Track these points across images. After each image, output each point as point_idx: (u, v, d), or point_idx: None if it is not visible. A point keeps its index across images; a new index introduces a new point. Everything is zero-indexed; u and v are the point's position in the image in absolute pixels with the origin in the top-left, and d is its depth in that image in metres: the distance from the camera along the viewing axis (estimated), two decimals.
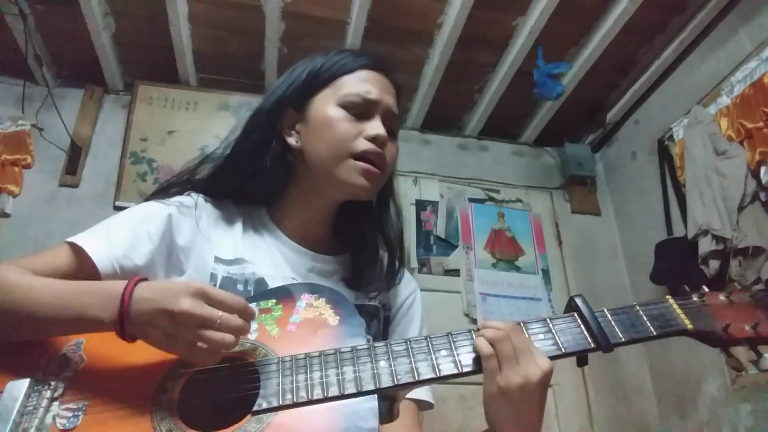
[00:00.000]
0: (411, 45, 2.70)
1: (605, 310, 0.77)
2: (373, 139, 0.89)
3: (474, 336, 0.74)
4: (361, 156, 0.88)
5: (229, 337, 0.67)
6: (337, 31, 2.58)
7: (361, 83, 0.93)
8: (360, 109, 0.91)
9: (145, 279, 0.71)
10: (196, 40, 2.70)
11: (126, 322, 0.67)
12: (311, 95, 0.94)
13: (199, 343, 0.66)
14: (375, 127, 0.90)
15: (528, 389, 0.69)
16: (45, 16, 2.56)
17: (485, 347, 0.71)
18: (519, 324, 0.75)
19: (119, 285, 0.69)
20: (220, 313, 0.67)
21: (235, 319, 0.68)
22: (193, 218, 0.91)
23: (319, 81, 0.94)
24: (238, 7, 2.50)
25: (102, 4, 2.50)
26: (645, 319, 0.76)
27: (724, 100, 2.37)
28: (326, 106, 0.92)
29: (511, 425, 0.72)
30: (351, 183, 0.89)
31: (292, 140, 0.94)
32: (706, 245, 2.23)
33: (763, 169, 2.14)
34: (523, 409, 0.70)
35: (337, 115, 0.90)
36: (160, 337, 0.67)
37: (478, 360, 0.72)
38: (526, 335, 0.74)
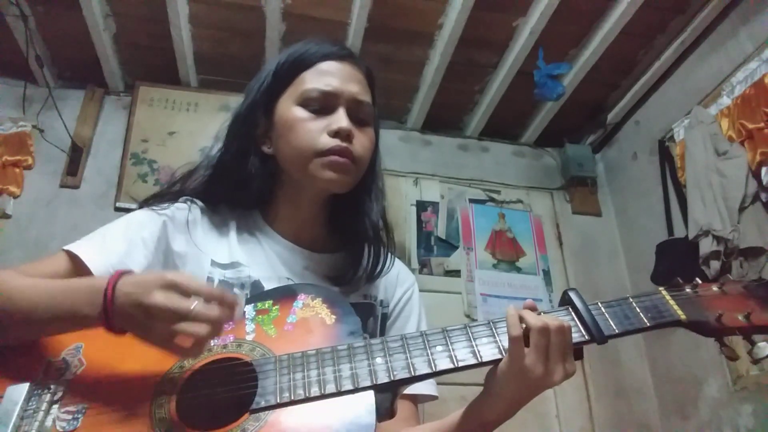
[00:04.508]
0: (411, 46, 2.70)
1: (599, 303, 0.77)
2: (335, 134, 0.87)
3: (470, 330, 0.74)
4: (326, 153, 0.87)
5: (203, 329, 0.64)
6: (337, 32, 2.58)
7: (319, 77, 0.91)
8: (321, 104, 0.89)
9: (129, 272, 0.70)
10: (196, 41, 2.71)
11: (111, 318, 0.67)
12: (276, 97, 0.93)
13: (177, 338, 0.65)
14: (337, 120, 0.88)
15: (544, 384, 0.70)
16: (46, 17, 2.57)
17: (515, 330, 0.70)
18: (567, 325, 0.72)
19: (103, 281, 0.69)
20: (194, 303, 0.64)
21: (211, 309, 0.65)
22: (186, 230, 0.92)
23: (281, 81, 0.93)
24: (238, 8, 2.51)
25: (102, 5, 2.51)
26: (638, 310, 0.76)
27: (725, 101, 2.37)
28: (288, 108, 0.91)
29: (506, 403, 0.74)
30: (321, 178, 0.88)
31: (265, 148, 0.94)
32: (707, 246, 2.23)
33: (763, 170, 2.14)
34: (526, 394, 0.72)
35: (298, 115, 0.89)
36: (140, 331, 0.67)
37: (473, 355, 0.72)
38: (570, 339, 0.72)
